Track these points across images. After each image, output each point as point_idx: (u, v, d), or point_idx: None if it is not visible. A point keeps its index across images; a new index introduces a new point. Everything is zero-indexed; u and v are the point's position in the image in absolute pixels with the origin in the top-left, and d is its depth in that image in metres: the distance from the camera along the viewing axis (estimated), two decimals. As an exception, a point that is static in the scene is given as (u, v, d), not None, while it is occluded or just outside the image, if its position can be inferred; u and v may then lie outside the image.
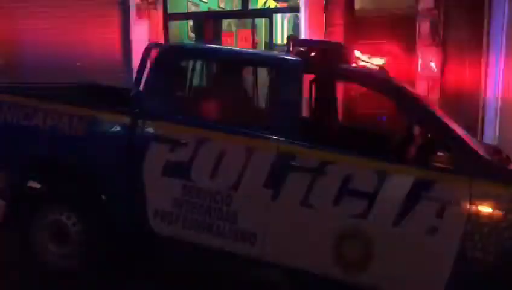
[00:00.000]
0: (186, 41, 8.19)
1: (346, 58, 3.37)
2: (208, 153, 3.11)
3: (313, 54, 3.22)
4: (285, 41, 8.11)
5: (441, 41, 6.04)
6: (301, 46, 3.37)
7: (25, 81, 4.45)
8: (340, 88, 5.41)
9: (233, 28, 8.67)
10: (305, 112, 3.90)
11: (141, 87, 3.39)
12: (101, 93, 4.26)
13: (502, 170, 3.03)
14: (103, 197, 3.40)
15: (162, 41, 7.27)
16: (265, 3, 9.04)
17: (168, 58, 3.48)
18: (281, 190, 2.98)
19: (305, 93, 3.76)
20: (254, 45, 7.58)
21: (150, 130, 3.26)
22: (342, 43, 5.01)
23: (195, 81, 4.54)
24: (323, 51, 3.25)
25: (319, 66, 3.28)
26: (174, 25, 7.89)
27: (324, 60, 3.21)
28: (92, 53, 7.43)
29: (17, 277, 3.54)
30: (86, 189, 3.46)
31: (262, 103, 6.08)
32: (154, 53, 3.46)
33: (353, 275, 2.95)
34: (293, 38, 4.62)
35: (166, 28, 7.61)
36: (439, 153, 2.83)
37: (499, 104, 5.79)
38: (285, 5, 8.68)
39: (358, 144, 3.08)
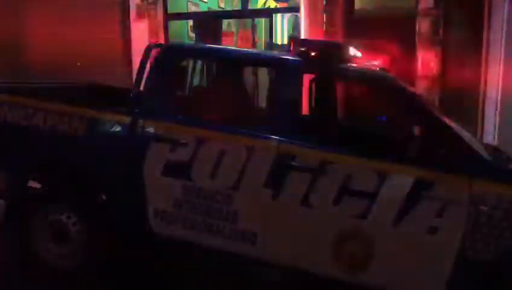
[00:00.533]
0: (186, 41, 8.18)
1: (346, 58, 3.37)
2: (208, 153, 3.11)
3: (313, 54, 3.22)
4: (285, 41, 8.12)
5: (441, 41, 6.03)
6: (301, 46, 3.37)
7: (25, 81, 4.45)
8: (340, 88, 5.40)
9: (233, 28, 8.67)
10: (305, 112, 3.89)
11: (141, 87, 3.39)
12: (101, 93, 4.26)
13: (502, 170, 3.04)
14: (103, 197, 3.40)
15: (162, 41, 7.27)
16: (265, 3, 9.02)
17: (168, 58, 3.47)
18: (281, 190, 2.98)
19: (305, 93, 3.75)
20: (254, 45, 7.57)
21: (150, 130, 3.26)
22: (342, 43, 5.01)
23: (196, 81, 4.55)
24: (323, 51, 3.25)
25: (319, 66, 3.28)
26: (174, 25, 7.88)
27: (324, 60, 3.21)
28: (92, 53, 7.42)
29: (17, 277, 3.53)
30: (86, 189, 3.46)
31: (262, 102, 6.09)
32: (154, 53, 3.46)
33: (353, 275, 2.96)
34: (294, 38, 4.63)
35: (166, 28, 7.60)
36: (439, 153, 2.83)
37: (499, 104, 5.79)
38: (285, 5, 8.66)
39: (358, 144, 3.08)
